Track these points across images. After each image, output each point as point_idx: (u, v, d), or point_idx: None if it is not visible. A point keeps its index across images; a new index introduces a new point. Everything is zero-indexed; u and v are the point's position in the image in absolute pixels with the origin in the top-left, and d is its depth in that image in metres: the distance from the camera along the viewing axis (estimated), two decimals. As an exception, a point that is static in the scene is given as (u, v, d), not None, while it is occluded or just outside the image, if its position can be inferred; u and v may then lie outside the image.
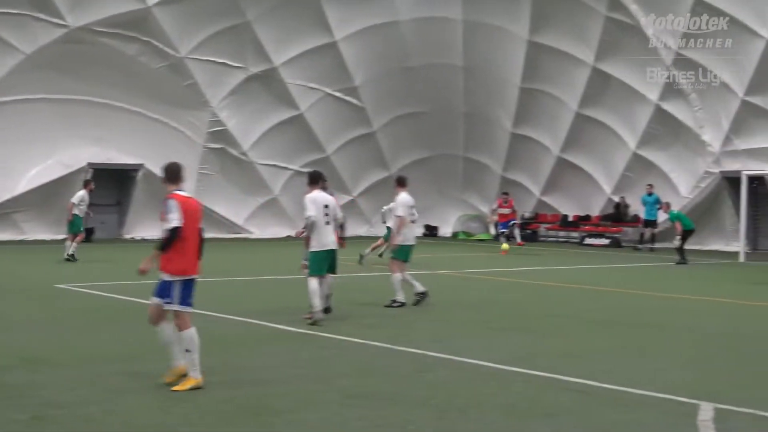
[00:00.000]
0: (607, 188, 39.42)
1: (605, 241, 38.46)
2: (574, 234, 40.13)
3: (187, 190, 10.50)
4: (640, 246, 36.48)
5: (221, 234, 37.12)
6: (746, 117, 34.24)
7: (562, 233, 41.48)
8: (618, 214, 38.98)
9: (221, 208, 38.12)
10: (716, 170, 35.35)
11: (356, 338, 13.09)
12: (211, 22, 36.25)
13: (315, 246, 14.73)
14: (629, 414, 8.92)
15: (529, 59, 39.01)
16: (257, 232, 39.72)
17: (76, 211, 26.65)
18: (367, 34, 38.89)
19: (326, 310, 14.85)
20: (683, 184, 36.74)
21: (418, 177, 42.60)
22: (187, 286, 9.91)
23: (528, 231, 41.53)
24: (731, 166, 34.83)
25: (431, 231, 43.88)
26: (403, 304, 16.54)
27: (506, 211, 34.39)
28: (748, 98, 33.78)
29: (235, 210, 39.44)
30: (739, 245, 32.66)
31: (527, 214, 42.31)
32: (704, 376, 10.87)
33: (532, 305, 17.98)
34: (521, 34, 38.57)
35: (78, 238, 26.31)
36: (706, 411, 9.01)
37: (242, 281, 21.79)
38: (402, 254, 17.15)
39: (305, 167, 40.23)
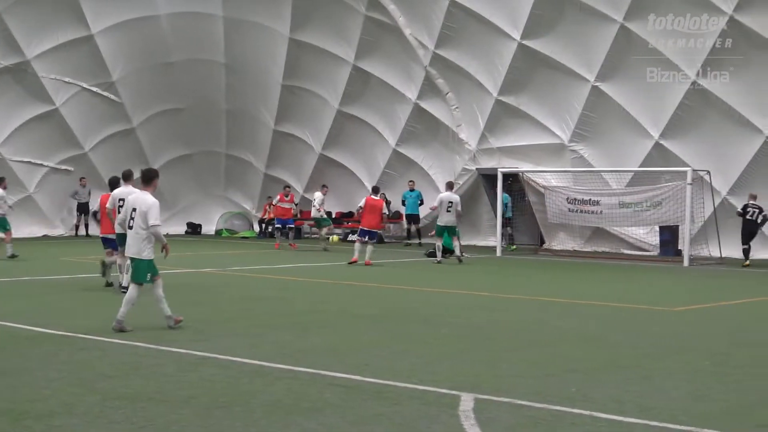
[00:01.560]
0: (369, 185, 40.00)
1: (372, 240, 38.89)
2: (338, 230, 40.45)
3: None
4: (409, 241, 37.25)
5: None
6: (500, 116, 35.48)
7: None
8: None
9: (-31, 207, 36.45)
10: (473, 167, 36.47)
11: (118, 339, 12.75)
12: (-43, 12, 34.67)
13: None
14: (392, 407, 9.03)
15: (291, 57, 39.19)
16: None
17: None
18: (125, 27, 38.03)
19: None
20: (442, 180, 37.67)
21: (180, 174, 42.16)
22: None
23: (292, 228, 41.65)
24: (487, 163, 36.06)
25: (194, 229, 43.34)
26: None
27: (287, 205, 34.52)
28: (501, 98, 35.01)
29: (-14, 209, 37.74)
30: (495, 240, 33.82)
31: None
32: (465, 367, 11.14)
33: (297, 301, 18.01)
34: (282, 31, 38.68)
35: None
36: (466, 401, 9.24)
37: (-5, 283, 20.84)
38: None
39: (62, 164, 39.06)
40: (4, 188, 28.88)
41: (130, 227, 13.95)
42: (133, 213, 13.89)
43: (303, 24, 38.50)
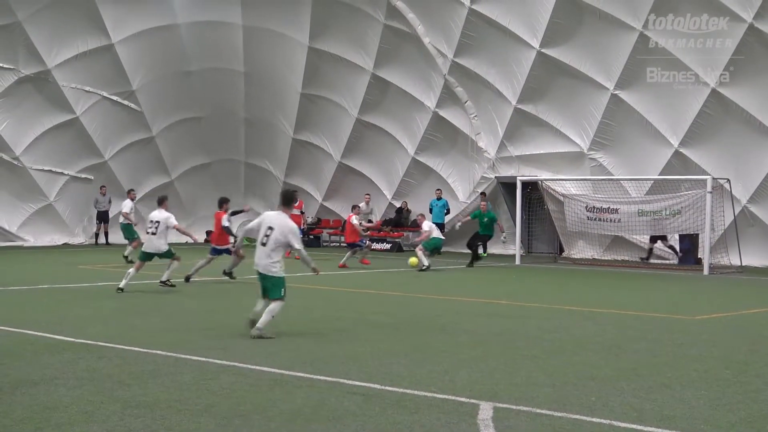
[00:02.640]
0: (388, 193, 40.06)
1: (387, 246, 39.02)
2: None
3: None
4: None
5: (-7, 242, 35.74)
6: (519, 124, 35.47)
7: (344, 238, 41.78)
8: (400, 219, 39.61)
9: (-8, 216, 36.78)
10: (492, 176, 36.45)
11: (137, 347, 12.78)
12: (-22, 22, 34.93)
13: None
14: (411, 415, 9.02)
15: (310, 65, 39.30)
16: (32, 239, 38.34)
17: None
18: (145, 36, 38.24)
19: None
20: (461, 189, 37.71)
21: (199, 183, 42.32)
22: None
23: (311, 236, 41.77)
24: (506, 171, 36.05)
25: (214, 237, 43.37)
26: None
27: (296, 212, 34.21)
28: (520, 106, 34.99)
29: (8, 217, 37.97)
30: (515, 248, 33.78)
31: (310, 220, 42.49)
32: (483, 376, 11.12)
33: (317, 310, 18.01)
34: (302, 40, 38.79)
35: None
36: (485, 410, 9.23)
37: (17, 291, 20.93)
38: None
39: (82, 172, 39.24)
40: (132, 199, 30.52)
41: (263, 244, 14.06)
42: (269, 231, 14.06)
43: (322, 32, 38.60)
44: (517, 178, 33.93)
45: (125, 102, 39.35)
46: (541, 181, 34.61)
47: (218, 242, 24.38)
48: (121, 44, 37.99)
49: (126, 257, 29.16)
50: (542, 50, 33.66)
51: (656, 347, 13.65)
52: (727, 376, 11.43)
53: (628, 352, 13.27)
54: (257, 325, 13.77)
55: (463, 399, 9.73)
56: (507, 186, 35.86)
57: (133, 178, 40.54)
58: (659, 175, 32.26)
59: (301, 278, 24.53)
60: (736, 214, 30.99)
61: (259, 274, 14.12)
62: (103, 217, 39.34)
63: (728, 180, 30.67)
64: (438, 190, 37.24)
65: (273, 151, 42.66)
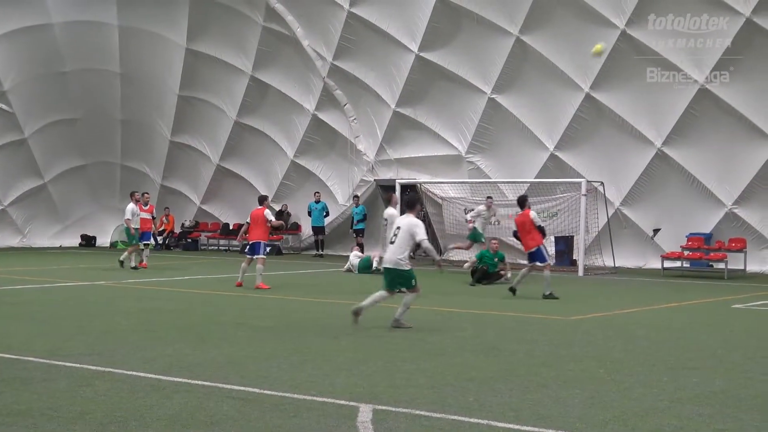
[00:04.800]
0: (268, 196, 39.89)
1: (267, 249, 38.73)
2: (235, 242, 40.19)
3: None
4: (320, 253, 37.13)
5: None
6: (398, 128, 35.68)
7: (223, 241, 41.54)
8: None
9: None
10: (371, 179, 36.58)
11: (9, 354, 12.45)
12: None
13: None
14: (290, 419, 8.98)
15: (188, 67, 38.93)
16: None
17: None
18: (17, 36, 37.34)
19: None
20: (340, 192, 37.77)
21: (74, 186, 41.51)
22: None
23: (188, 240, 41.37)
24: (385, 174, 36.22)
25: (88, 241, 42.64)
26: None
27: (146, 215, 32.65)
28: (399, 109, 35.21)
29: None
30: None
31: (187, 223, 42.06)
32: (363, 378, 11.13)
33: (194, 313, 17.82)
34: (179, 41, 38.42)
35: None
36: (365, 412, 9.23)
37: None
38: None
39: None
40: (136, 201, 29.53)
41: (392, 242, 15.90)
42: (397, 231, 15.85)
43: (199, 34, 38.26)
44: (396, 181, 34.07)
45: (-4, 102, 38.40)
46: (420, 183, 34.85)
47: (260, 237, 23.49)
48: (-9, 43, 37.08)
49: (122, 262, 28.79)
50: (421, 54, 33.92)
51: (533, 348, 13.85)
52: (601, 375, 11.64)
53: (505, 353, 13.44)
54: (395, 315, 15.72)
55: (342, 401, 9.72)
56: (386, 189, 35.99)
57: (4, 181, 39.55)
58: (535, 178, 32.78)
59: (177, 282, 24.24)
60: (609, 216, 31.68)
61: (387, 269, 15.85)
62: None
63: (602, 183, 31.34)
64: (317, 193, 37.20)
65: (150, 154, 42.09)
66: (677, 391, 10.34)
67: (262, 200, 24.24)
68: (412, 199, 16.87)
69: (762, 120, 29.29)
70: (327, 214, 36.74)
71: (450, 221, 33.71)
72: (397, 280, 15.83)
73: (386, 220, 23.80)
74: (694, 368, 12.10)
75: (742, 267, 29.84)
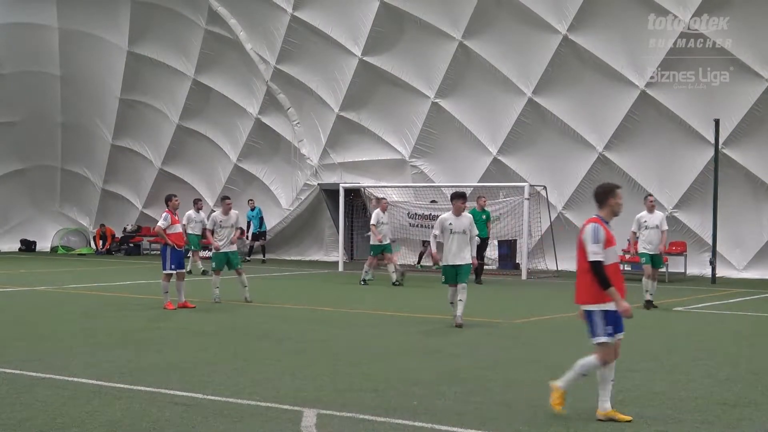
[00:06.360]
0: (211, 201, 39.62)
1: (209, 254, 38.50)
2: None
3: None
4: (248, 258, 36.92)
5: None
6: (342, 132, 35.66)
7: (165, 246, 41.14)
8: (221, 227, 39.17)
9: None
10: (315, 183, 36.51)
11: (-55, 361, 12.26)
12: None
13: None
14: (234, 424, 8.92)
15: (129, 70, 38.64)
16: None
17: None
18: (-49, 37, 36.82)
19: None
20: (284, 196, 37.65)
21: (13, 190, 40.98)
22: None
23: (131, 244, 41.05)
24: (329, 178, 36.16)
25: (28, 246, 42.10)
26: None
27: None
28: (342, 113, 35.19)
29: None
30: (338, 255, 33.88)
31: (129, 228, 41.73)
32: (307, 383, 11.09)
33: (136, 319, 17.64)
34: (120, 44, 38.14)
35: None
36: (309, 417, 9.21)
37: None
38: None
39: None
40: (199, 209, 28.88)
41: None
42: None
43: (141, 37, 37.98)
44: (340, 185, 34.02)
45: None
46: (364, 188, 34.84)
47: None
48: (-73, 45, 36.54)
49: (189, 271, 26.84)
50: (364, 58, 33.93)
51: (476, 351, 13.89)
52: (544, 378, 11.70)
53: (449, 356, 13.46)
54: (457, 314, 16.64)
55: (286, 406, 9.68)
56: (330, 193, 35.95)
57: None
58: (479, 182, 32.88)
59: (119, 287, 24.03)
60: (552, 220, 31.89)
61: (452, 266, 16.59)
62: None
63: (545, 187, 31.55)
64: (250, 200, 36.90)
65: (91, 158, 41.66)
66: (619, 393, 10.42)
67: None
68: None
69: (702, 124, 29.63)
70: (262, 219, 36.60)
71: (394, 225, 33.68)
72: (461, 272, 16.69)
73: (384, 223, 26.92)
74: (636, 370, 12.19)
75: (682, 270, 30.19)
